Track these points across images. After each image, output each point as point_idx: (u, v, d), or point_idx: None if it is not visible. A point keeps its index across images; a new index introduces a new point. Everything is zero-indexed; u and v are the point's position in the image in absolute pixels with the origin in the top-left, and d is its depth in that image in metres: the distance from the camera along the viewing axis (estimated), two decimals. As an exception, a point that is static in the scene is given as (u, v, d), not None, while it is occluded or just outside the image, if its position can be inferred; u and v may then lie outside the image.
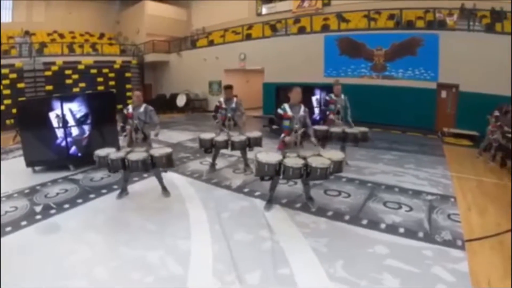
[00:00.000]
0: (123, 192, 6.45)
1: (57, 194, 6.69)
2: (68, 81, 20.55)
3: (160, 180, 6.47)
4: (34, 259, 4.20)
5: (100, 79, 21.46)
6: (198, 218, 5.37)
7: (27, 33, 22.79)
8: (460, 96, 13.94)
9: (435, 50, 14.27)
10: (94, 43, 23.72)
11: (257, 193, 6.47)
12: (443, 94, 14.55)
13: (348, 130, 7.67)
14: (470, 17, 14.48)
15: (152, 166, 5.94)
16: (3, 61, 19.28)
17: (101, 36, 25.61)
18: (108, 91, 16.93)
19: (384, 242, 4.59)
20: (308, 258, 4.18)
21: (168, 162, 6.08)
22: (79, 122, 8.66)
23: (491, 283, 3.68)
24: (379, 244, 4.53)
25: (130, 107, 6.28)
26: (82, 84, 20.59)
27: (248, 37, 20.76)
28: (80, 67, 21.14)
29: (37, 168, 8.41)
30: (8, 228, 5.06)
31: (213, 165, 8.16)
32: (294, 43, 17.89)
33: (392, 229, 4.97)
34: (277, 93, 13.16)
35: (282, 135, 5.58)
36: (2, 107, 17.61)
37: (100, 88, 20.91)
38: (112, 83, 21.67)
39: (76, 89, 20.04)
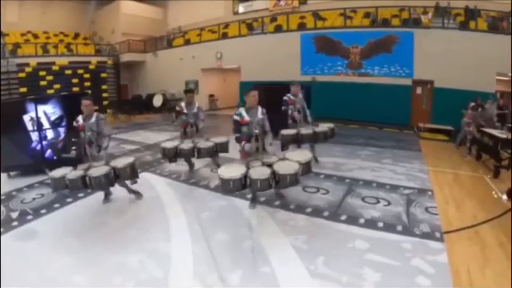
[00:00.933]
0: (108, 196, 6.23)
1: (34, 199, 6.49)
2: (43, 83, 20.17)
3: (125, 186, 6.10)
4: (13, 267, 4.07)
5: (75, 80, 21.09)
6: (177, 220, 5.28)
7: (-1, 33, 22.18)
8: (435, 92, 14.16)
9: (410, 48, 14.50)
10: (68, 43, 23.22)
11: (236, 192, 6.39)
12: (418, 90, 14.78)
13: (317, 129, 7.42)
14: (445, 15, 14.74)
15: (115, 179, 5.43)
16: None
17: (76, 36, 25.17)
18: (83, 92, 16.63)
19: (363, 236, 4.59)
20: (288, 256, 4.14)
21: (133, 173, 5.60)
22: (54, 125, 8.36)
23: (470, 272, 3.71)
24: (358, 239, 4.54)
25: (80, 118, 5.73)
26: (57, 86, 20.19)
27: (225, 36, 20.69)
28: (55, 68, 20.71)
29: (12, 173, 8.15)
30: (-17, 235, 4.83)
31: (191, 166, 7.97)
32: (270, 42, 17.94)
33: (371, 223, 4.99)
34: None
35: (243, 142, 5.34)
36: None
37: (76, 89, 20.49)
38: (87, 84, 21.32)
39: (50, 91, 19.64)
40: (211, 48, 20.28)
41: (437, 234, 4.61)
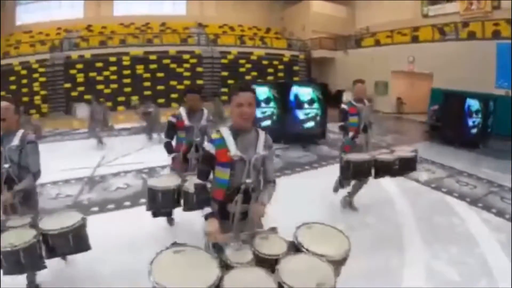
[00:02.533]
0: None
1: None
2: (241, 70, 22.05)
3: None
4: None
5: (270, 70, 22.54)
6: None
7: (200, 25, 24.54)
8: None
9: None
10: (262, 36, 24.95)
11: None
12: None
13: (399, 154, 5.44)
14: None
15: (48, 254, 3.15)
16: (183, 48, 21.37)
17: (268, 30, 26.91)
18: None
19: None
20: None
21: (79, 242, 3.28)
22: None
23: None
24: None
25: None
26: (254, 73, 21.86)
27: (415, 39, 19.96)
28: (253, 57, 22.65)
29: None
30: None
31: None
32: (463, 49, 16.71)
33: None
34: (445, 100, 12.45)
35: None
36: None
37: (270, 78, 21.40)
38: (280, 74, 22.32)
39: (248, 77, 21.61)
40: (402, 51, 19.73)
41: None
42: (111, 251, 4.20)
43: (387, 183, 6.47)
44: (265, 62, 22.61)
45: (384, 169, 5.26)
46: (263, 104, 11.41)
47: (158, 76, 21.16)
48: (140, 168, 8.29)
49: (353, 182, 5.62)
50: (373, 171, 5.24)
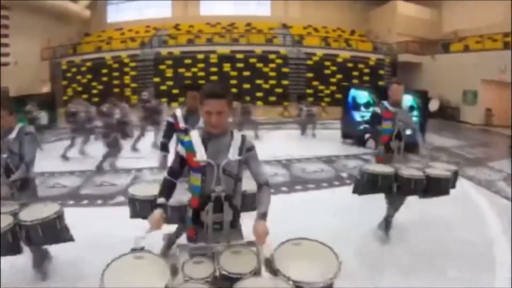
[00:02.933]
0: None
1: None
2: (327, 72, 22.38)
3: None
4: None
5: (355, 73, 22.71)
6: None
7: (284, 26, 24.75)
8: None
9: None
10: (346, 38, 25.13)
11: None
12: None
13: (431, 171, 4.59)
14: None
15: (27, 242, 3.35)
16: (269, 48, 22.42)
17: (352, 32, 26.91)
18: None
19: None
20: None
21: (50, 235, 3.37)
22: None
23: None
24: None
25: None
26: (339, 76, 22.10)
27: (507, 46, 18.82)
28: (339, 60, 22.84)
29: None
30: None
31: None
32: None
33: None
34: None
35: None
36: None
37: (355, 81, 21.16)
38: (366, 78, 22.30)
39: (333, 80, 21.94)
40: (492, 58, 18.74)
41: None
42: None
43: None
44: (350, 65, 22.70)
45: (405, 186, 4.42)
46: (362, 108, 11.36)
47: (245, 74, 21.70)
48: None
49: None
50: (394, 187, 4.46)
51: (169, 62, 22.37)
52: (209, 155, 2.36)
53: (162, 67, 22.35)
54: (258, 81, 21.98)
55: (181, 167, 2.50)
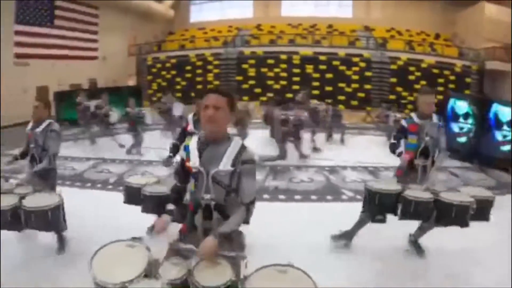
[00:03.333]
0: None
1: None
2: (411, 77, 22.02)
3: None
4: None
5: (440, 80, 21.97)
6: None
7: (366, 28, 24.50)
8: None
9: None
10: (431, 42, 24.52)
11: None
12: None
13: (443, 197, 4.00)
14: None
15: (24, 224, 3.75)
16: (352, 51, 22.39)
17: (437, 36, 26.10)
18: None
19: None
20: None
21: (51, 222, 3.79)
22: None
23: None
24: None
25: (30, 124, 4.53)
26: (423, 82, 21.43)
27: None
28: (423, 65, 22.33)
29: None
30: None
31: None
32: None
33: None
34: None
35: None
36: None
37: (440, 89, 20.49)
38: (451, 85, 21.42)
39: (417, 86, 20.91)
40: None
41: None
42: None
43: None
44: (435, 71, 22.09)
45: (406, 209, 3.98)
46: (461, 119, 10.94)
47: (327, 77, 21.76)
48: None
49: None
50: (399, 209, 4.05)
51: (252, 61, 23.22)
52: (202, 162, 2.41)
53: (244, 66, 23.20)
54: (341, 84, 22.14)
55: (184, 171, 2.56)
